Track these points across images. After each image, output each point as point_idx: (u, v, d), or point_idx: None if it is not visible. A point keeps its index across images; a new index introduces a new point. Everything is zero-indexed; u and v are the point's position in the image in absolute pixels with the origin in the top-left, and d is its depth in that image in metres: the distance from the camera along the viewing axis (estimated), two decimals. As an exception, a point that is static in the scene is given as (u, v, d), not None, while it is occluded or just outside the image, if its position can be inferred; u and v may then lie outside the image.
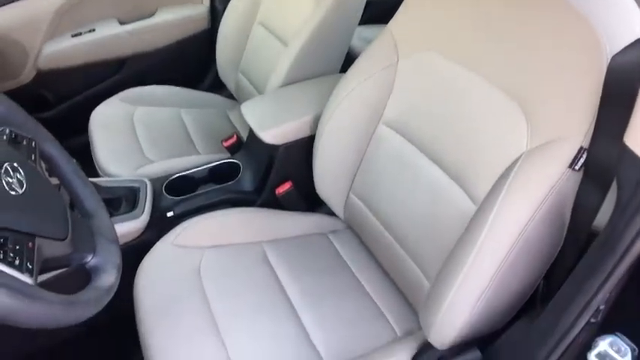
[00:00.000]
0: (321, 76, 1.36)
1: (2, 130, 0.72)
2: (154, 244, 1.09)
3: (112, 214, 1.16)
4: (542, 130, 0.74)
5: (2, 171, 0.62)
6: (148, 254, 1.07)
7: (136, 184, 1.23)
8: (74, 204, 0.82)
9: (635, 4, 0.73)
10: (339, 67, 1.43)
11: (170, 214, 1.20)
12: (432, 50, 0.92)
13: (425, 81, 0.94)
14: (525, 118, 0.76)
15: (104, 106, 1.58)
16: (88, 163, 1.40)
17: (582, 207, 0.75)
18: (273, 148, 1.20)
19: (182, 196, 1.24)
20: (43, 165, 0.79)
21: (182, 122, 1.60)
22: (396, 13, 1.02)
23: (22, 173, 0.66)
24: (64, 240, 0.67)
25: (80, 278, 0.71)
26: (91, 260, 0.71)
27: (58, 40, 1.62)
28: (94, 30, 1.66)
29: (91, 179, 1.15)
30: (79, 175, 0.81)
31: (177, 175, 1.29)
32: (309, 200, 1.26)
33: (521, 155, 0.75)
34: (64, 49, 1.63)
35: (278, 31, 1.48)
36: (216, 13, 1.81)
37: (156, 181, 1.27)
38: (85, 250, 0.71)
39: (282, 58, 1.36)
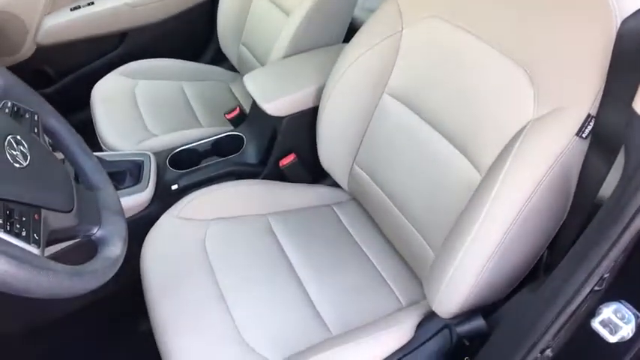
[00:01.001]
0: (324, 47, 1.34)
1: (4, 103, 0.71)
2: (159, 217, 1.10)
3: (117, 188, 1.16)
4: (548, 97, 0.73)
5: (6, 143, 0.62)
6: (153, 227, 1.08)
7: (139, 158, 1.23)
8: (79, 177, 0.82)
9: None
10: (342, 37, 1.40)
11: (174, 187, 1.20)
12: (438, 17, 0.91)
13: (430, 49, 0.93)
14: (532, 85, 0.75)
15: (105, 81, 1.57)
16: (90, 138, 1.39)
17: (588, 176, 0.74)
18: (276, 120, 1.19)
19: (186, 170, 1.24)
20: (47, 139, 0.79)
21: (184, 95, 1.59)
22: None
23: (26, 146, 0.65)
24: (69, 212, 0.67)
25: (87, 250, 0.72)
26: (97, 232, 0.72)
27: (57, 14, 1.60)
28: (92, 3, 1.63)
29: (94, 153, 1.16)
30: (83, 148, 0.81)
31: (181, 148, 1.29)
32: (313, 172, 1.26)
33: (527, 124, 0.75)
34: (64, 23, 1.61)
35: (280, 1, 1.45)
36: (216, -16, 1.77)
37: (159, 155, 1.27)
38: (91, 222, 0.72)
39: (284, 29, 1.34)
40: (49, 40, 1.62)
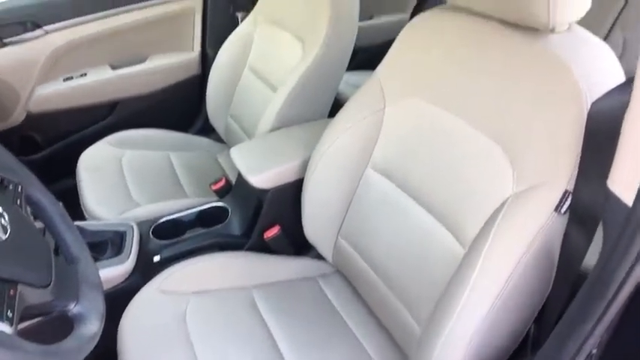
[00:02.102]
0: (310, 121, 1.38)
1: (-12, 174, 0.71)
2: (139, 289, 1.07)
3: (97, 259, 1.14)
4: (527, 174, 0.75)
5: None
6: (133, 300, 1.05)
7: (122, 228, 1.21)
8: (59, 249, 0.81)
9: (612, 53, 0.76)
10: (327, 112, 1.45)
11: (157, 258, 1.18)
12: (418, 96, 0.95)
13: (411, 126, 0.96)
14: (510, 162, 0.78)
15: (93, 150, 1.58)
16: (75, 207, 1.38)
17: (570, 250, 0.76)
18: (261, 192, 1.20)
19: (169, 240, 1.23)
20: (29, 209, 0.78)
21: (171, 165, 1.60)
22: (383, 60, 1.05)
23: (7, 218, 0.65)
24: (47, 287, 0.66)
25: (63, 325, 0.69)
26: (73, 308, 0.70)
27: (50, 84, 1.64)
28: (85, 74, 1.68)
29: (76, 223, 1.14)
30: (65, 220, 0.80)
31: (165, 218, 1.28)
32: (297, 244, 1.26)
33: (507, 199, 0.76)
34: (56, 93, 1.65)
35: (267, 76, 1.51)
36: (206, 59, 1.85)
37: (143, 225, 1.26)
38: (68, 298, 0.70)
39: (270, 103, 1.39)
40: (39, 108, 1.64)
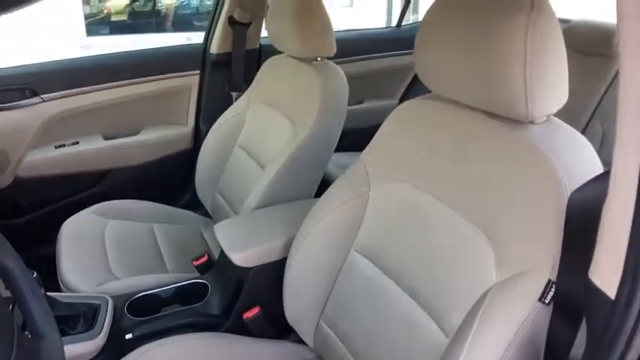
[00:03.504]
0: (296, 201, 1.39)
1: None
2: None
3: (67, 333, 1.09)
4: (510, 262, 0.75)
5: None
6: None
7: (96, 302, 1.17)
8: (26, 322, 0.77)
9: (589, 144, 0.79)
10: (314, 192, 1.46)
11: (129, 336, 1.13)
12: (402, 180, 0.96)
13: (396, 210, 0.96)
14: (493, 250, 0.77)
15: (76, 218, 1.56)
16: (53, 275, 1.34)
17: (556, 340, 0.73)
18: (243, 271, 1.17)
19: (144, 317, 1.18)
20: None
21: (154, 238, 1.57)
22: (369, 144, 1.07)
23: (-28, 291, 0.62)
24: (4, 365, 0.62)
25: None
26: (31, 388, 0.65)
27: (40, 150, 1.65)
28: (77, 143, 1.70)
29: (49, 293, 1.11)
30: (35, 293, 0.77)
31: (142, 293, 1.24)
32: (277, 327, 1.21)
33: (491, 287, 0.75)
34: (46, 159, 1.66)
35: (257, 154, 1.54)
36: (199, 134, 1.88)
37: (119, 299, 1.21)
38: (27, 377, 0.65)
39: (258, 181, 1.40)
40: (28, 173, 1.64)
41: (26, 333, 0.74)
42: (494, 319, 0.72)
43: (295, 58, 1.47)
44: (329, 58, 1.44)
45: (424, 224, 0.90)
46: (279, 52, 1.55)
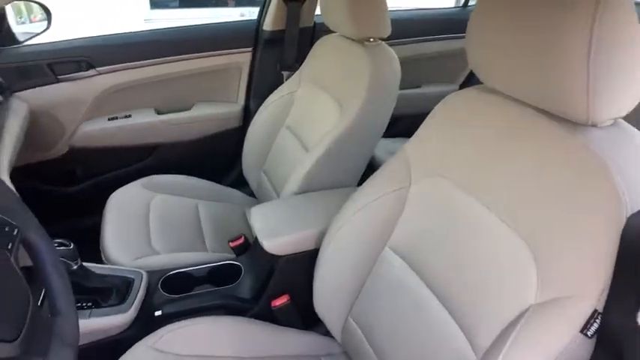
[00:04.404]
0: (337, 188, 1.34)
1: (-15, 215, 0.70)
2: (136, 341, 1.02)
3: (99, 305, 1.11)
4: (553, 283, 0.66)
5: None
6: (124, 355, 1.00)
7: (130, 276, 1.19)
8: (46, 298, 0.78)
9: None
10: (357, 179, 1.40)
11: (158, 313, 1.14)
12: (445, 177, 0.88)
13: (435, 209, 0.89)
14: (535, 267, 0.69)
15: (124, 190, 1.59)
16: (96, 245, 1.38)
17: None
18: (274, 258, 1.14)
19: (176, 295, 1.19)
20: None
21: (197, 215, 1.58)
22: (414, 135, 1.00)
23: (-14, 264, 0.62)
24: (13, 341, 0.62)
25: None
26: (39, 365, 0.65)
27: (94, 121, 1.69)
28: (130, 116, 1.73)
29: (85, 264, 1.13)
30: (57, 267, 0.77)
31: (176, 271, 1.25)
32: (305, 317, 1.18)
33: (528, 308, 0.67)
34: (100, 131, 1.70)
35: (303, 137, 1.49)
36: (248, 113, 1.86)
37: (154, 274, 1.23)
38: (36, 353, 0.65)
39: (300, 164, 1.36)
40: (82, 144, 1.69)
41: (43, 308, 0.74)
42: (529, 345, 0.64)
43: (347, 38, 1.40)
44: (383, 39, 1.36)
45: (463, 228, 0.83)
46: (334, 32, 1.48)
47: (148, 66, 1.66)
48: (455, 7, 2.36)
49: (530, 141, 0.75)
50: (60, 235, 1.13)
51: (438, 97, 0.98)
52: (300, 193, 1.33)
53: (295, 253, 1.14)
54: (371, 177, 1.04)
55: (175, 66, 1.70)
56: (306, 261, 1.12)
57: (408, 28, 2.03)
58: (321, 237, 1.09)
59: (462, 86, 2.25)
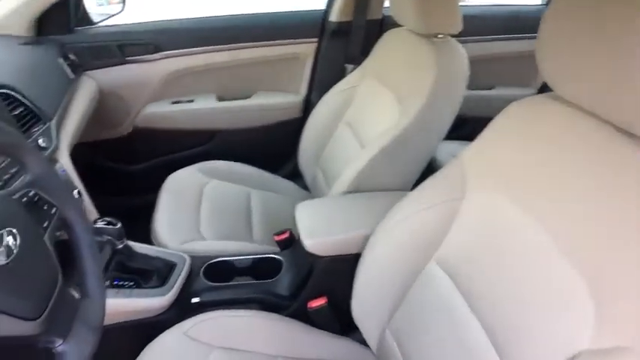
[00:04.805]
0: (388, 191, 1.27)
1: (26, 192, 0.71)
2: (170, 325, 1.03)
3: (139, 285, 1.13)
4: (612, 329, 0.57)
5: None
6: (157, 338, 1.00)
7: (174, 259, 1.20)
8: (78, 279, 0.78)
9: None
10: (412, 183, 1.33)
11: (195, 300, 1.14)
12: (502, 193, 0.80)
13: (487, 226, 0.81)
14: (594, 307, 0.60)
15: (180, 173, 1.61)
16: (148, 225, 1.41)
17: None
18: (315, 258, 1.11)
19: (215, 283, 1.18)
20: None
21: (248, 204, 1.58)
22: (472, 143, 0.92)
23: (18, 242, 0.63)
24: (35, 319, 0.62)
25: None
26: (58, 346, 0.65)
27: (158, 104, 1.73)
28: (192, 100, 1.75)
29: (132, 243, 1.15)
30: (91, 249, 0.78)
31: (219, 259, 1.25)
32: (342, 321, 1.13)
33: (579, 353, 0.59)
34: (163, 113, 1.73)
35: (360, 134, 1.44)
36: (309, 104, 1.83)
37: (197, 260, 1.23)
38: (57, 334, 0.66)
39: (354, 161, 1.30)
40: (145, 125, 1.74)
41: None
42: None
43: (415, 32, 1.33)
44: (453, 36, 1.27)
45: (517, 252, 0.74)
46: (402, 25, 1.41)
47: (212, 52, 1.67)
48: (537, 5, 2.19)
49: (606, 164, 0.66)
50: (116, 211, 1.16)
51: (511, 101, 0.89)
52: (350, 191, 1.28)
53: (337, 255, 1.10)
54: (422, 184, 0.98)
55: (239, 53, 1.70)
56: (347, 264, 1.07)
57: (482, 25, 1.90)
58: (365, 241, 1.04)
59: (541, 91, 2.09)
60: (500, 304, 0.74)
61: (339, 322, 1.14)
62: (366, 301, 1.01)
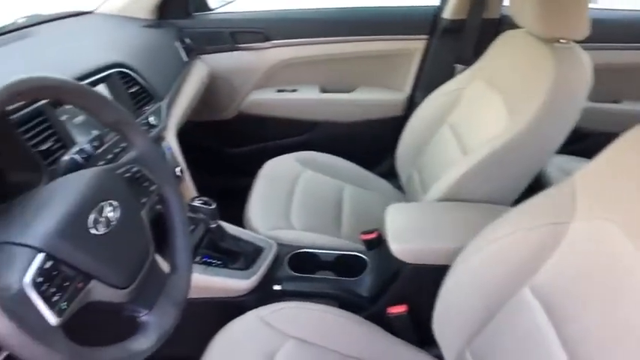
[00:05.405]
0: (486, 203, 1.19)
1: (130, 167, 0.75)
2: (248, 309, 1.05)
3: (225, 265, 1.17)
4: None
5: (97, 208, 0.64)
6: (235, 320, 1.03)
7: (262, 244, 1.22)
8: (168, 254, 0.82)
9: None
10: (514, 197, 1.23)
11: (277, 287, 1.15)
12: (613, 223, 0.71)
13: (594, 258, 0.72)
14: None
15: (278, 160, 1.65)
16: (241, 208, 1.46)
17: None
18: (401, 263, 1.07)
19: (298, 273, 1.19)
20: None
21: (340, 198, 1.57)
22: (589, 162, 0.82)
23: (117, 215, 0.67)
24: (124, 289, 0.66)
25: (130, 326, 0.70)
26: (143, 315, 0.69)
27: (263, 91, 1.78)
28: (296, 90, 1.77)
29: (223, 223, 1.19)
30: (183, 226, 0.81)
31: (305, 250, 1.25)
32: (420, 334, 1.09)
33: None
34: (266, 100, 1.78)
35: (463, 140, 1.37)
36: (413, 103, 1.78)
37: (283, 248, 1.25)
38: (143, 305, 0.69)
39: (454, 167, 1.24)
40: (249, 111, 1.80)
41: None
42: None
43: (534, 35, 1.22)
44: (577, 42, 1.15)
45: (627, 293, 0.65)
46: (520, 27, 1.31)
47: (319, 44, 1.68)
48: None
49: None
50: (212, 191, 1.22)
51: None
52: (446, 199, 1.23)
53: (423, 264, 1.05)
54: (527, 201, 0.90)
55: (346, 46, 1.69)
56: (433, 275, 1.02)
57: (612, 31, 1.71)
58: (454, 254, 0.98)
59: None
60: (600, 348, 0.66)
61: (418, 333, 1.10)
62: (449, 316, 0.96)
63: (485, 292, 0.88)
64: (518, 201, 1.21)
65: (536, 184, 1.23)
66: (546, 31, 1.14)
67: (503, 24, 1.62)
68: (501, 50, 1.38)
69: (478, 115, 1.35)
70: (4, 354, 0.63)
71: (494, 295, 0.87)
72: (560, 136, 1.15)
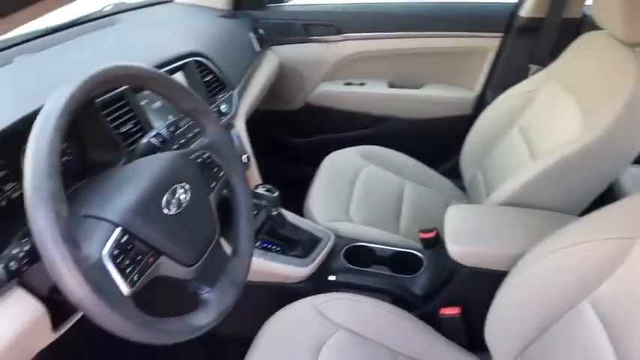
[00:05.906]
0: (552, 211, 1.15)
1: (203, 153, 0.80)
2: (302, 296, 1.09)
3: (284, 252, 1.21)
4: None
5: (170, 189, 0.69)
6: (290, 305, 1.07)
7: (320, 235, 1.25)
8: (231, 237, 0.86)
9: None
10: (582, 207, 1.18)
11: (332, 278, 1.18)
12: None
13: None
14: None
15: (341, 153, 1.66)
16: (302, 197, 1.49)
17: None
18: (458, 265, 1.06)
19: (353, 266, 1.21)
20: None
21: (401, 195, 1.56)
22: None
23: (188, 197, 0.71)
24: (190, 266, 0.71)
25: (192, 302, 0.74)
26: (205, 293, 0.74)
27: (331, 83, 1.80)
28: (364, 84, 1.78)
29: (284, 211, 1.23)
30: (247, 211, 0.85)
31: (362, 244, 1.27)
32: (472, 338, 1.08)
33: None
34: (334, 93, 1.80)
35: (533, 143, 1.32)
36: (482, 103, 1.73)
37: (341, 240, 1.27)
38: (205, 283, 0.74)
39: (521, 172, 1.21)
40: (316, 102, 1.83)
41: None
42: None
43: (617, 38, 1.16)
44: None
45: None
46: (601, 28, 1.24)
47: (389, 38, 1.67)
48: None
49: None
50: (276, 179, 1.26)
51: None
52: (510, 203, 1.20)
53: (480, 268, 1.04)
54: (596, 212, 0.86)
55: (416, 42, 1.68)
56: (489, 280, 1.00)
57: None
58: (513, 260, 0.96)
59: None
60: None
61: (469, 337, 1.09)
62: (503, 323, 0.94)
63: (543, 302, 0.86)
64: (587, 210, 1.17)
65: (609, 195, 1.18)
66: (629, 34, 1.08)
67: (584, 24, 1.54)
68: (580, 52, 1.31)
69: (551, 119, 1.30)
70: (78, 315, 0.70)
71: (553, 306, 0.85)
72: (638, 145, 1.09)
